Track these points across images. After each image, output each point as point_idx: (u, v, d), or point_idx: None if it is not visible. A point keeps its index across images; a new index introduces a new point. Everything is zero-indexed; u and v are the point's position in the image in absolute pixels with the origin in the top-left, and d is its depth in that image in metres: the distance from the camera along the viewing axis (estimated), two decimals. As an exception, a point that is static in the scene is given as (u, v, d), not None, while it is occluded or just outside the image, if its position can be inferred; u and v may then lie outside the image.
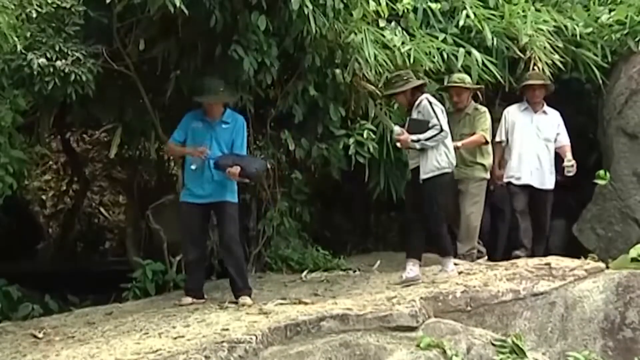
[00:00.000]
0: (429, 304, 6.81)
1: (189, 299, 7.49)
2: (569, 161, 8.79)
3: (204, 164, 7.40)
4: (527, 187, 8.89)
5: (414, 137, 7.47)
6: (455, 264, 7.85)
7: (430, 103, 7.55)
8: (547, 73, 9.38)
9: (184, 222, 7.63)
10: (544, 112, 9.06)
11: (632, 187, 9.72)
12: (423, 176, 7.52)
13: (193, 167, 7.35)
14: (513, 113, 9.11)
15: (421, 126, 7.47)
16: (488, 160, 8.77)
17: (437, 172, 7.51)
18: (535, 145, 8.95)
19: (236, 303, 7.27)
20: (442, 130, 7.46)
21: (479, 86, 8.89)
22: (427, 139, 7.43)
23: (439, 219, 7.61)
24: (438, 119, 7.46)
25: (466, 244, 8.58)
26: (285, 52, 8.12)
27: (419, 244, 7.69)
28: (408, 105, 7.77)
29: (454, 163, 7.76)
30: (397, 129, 7.69)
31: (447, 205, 7.95)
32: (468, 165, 8.62)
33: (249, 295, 7.37)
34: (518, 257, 8.43)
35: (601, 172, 9.38)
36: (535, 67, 9.32)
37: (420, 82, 7.89)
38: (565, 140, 9.06)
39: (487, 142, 8.66)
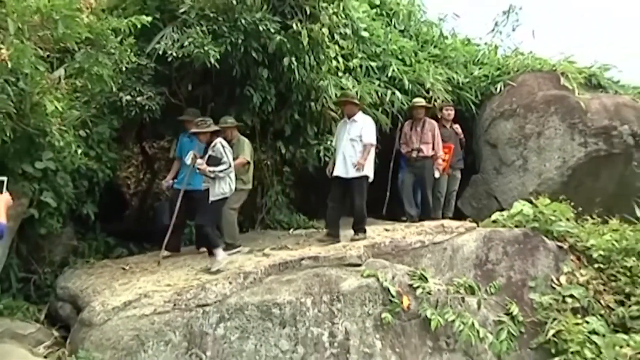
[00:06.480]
0: (369, 250, 6.86)
1: (166, 252, 7.13)
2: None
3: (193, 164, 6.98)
4: (338, 178, 7.52)
5: (211, 168, 6.64)
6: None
7: (222, 146, 6.75)
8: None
9: (173, 204, 7.27)
10: (354, 120, 7.58)
11: (493, 177, 9.92)
12: (212, 198, 6.69)
13: (188, 162, 6.92)
14: (339, 125, 7.92)
15: (216, 161, 6.66)
16: (245, 176, 7.52)
17: (221, 196, 6.72)
18: (343, 144, 7.53)
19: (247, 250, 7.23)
20: (230, 166, 6.72)
21: (238, 124, 7.58)
22: (220, 171, 6.64)
23: (209, 226, 6.68)
24: (227, 158, 6.70)
25: (228, 238, 7.29)
26: (280, 92, 8.07)
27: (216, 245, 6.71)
28: (206, 143, 6.85)
29: (233, 188, 6.85)
30: (195, 157, 6.80)
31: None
32: (237, 179, 7.14)
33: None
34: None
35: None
36: (436, 102, 9.41)
37: (217, 127, 6.98)
38: (365, 139, 7.49)
39: (248, 162, 7.50)
